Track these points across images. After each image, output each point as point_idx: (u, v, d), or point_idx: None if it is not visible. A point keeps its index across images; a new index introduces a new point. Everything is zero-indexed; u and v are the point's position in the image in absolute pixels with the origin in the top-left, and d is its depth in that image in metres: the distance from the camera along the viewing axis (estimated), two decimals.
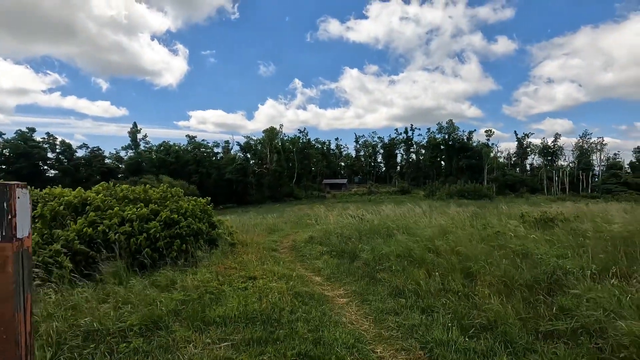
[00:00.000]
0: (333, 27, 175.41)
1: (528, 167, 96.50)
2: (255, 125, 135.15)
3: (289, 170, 76.10)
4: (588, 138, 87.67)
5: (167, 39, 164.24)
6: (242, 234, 10.51)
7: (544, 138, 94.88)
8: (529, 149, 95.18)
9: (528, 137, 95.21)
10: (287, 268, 6.79)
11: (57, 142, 63.37)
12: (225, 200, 59.49)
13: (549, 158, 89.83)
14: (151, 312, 3.98)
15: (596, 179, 78.71)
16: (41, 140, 61.41)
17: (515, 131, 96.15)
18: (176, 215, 6.61)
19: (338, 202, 43.97)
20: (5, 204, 1.13)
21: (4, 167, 54.89)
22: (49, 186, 7.34)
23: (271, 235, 12.76)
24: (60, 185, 7.37)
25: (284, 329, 3.79)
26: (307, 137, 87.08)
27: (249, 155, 77.18)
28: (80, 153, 65.64)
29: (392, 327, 4.00)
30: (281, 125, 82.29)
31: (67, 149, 63.80)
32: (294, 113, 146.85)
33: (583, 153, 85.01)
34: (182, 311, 4.17)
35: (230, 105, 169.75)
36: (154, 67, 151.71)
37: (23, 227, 1.20)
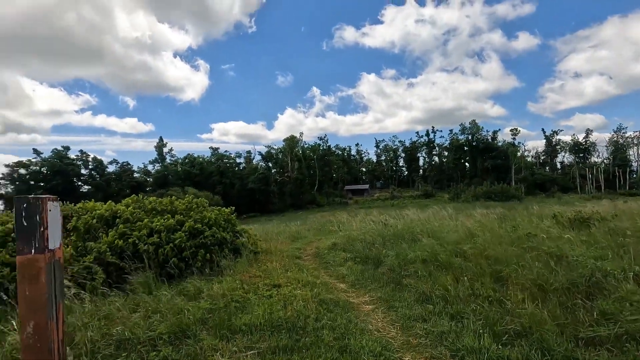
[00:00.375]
0: (348, 33, 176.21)
1: (558, 166, 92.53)
2: (276, 134, 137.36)
3: (310, 177, 76.43)
4: (623, 132, 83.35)
5: (188, 56, 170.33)
6: (265, 243, 10.59)
7: (574, 134, 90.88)
8: (558, 147, 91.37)
9: (557, 134, 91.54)
10: (311, 275, 6.76)
11: (90, 159, 66.58)
12: (248, 209, 60.33)
13: (581, 155, 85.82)
14: (179, 321, 4.05)
15: (634, 175, 74.42)
16: (75, 157, 64.72)
17: (542, 129, 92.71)
18: (200, 225, 6.75)
19: (360, 208, 43.65)
20: (37, 217, 1.18)
21: (42, 184, 58.09)
22: (82, 201, 7.70)
23: (294, 242, 12.78)
24: (92, 200, 7.71)
25: (309, 337, 3.76)
26: (327, 144, 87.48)
27: (270, 165, 78.24)
28: (111, 168, 68.68)
29: (420, 334, 3.89)
30: (301, 134, 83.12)
31: (98, 165, 66.90)
32: (313, 121, 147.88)
33: (618, 148, 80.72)
34: (209, 320, 4.23)
35: (251, 116, 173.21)
36: (177, 84, 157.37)
37: (54, 238, 1.25)
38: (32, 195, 1.21)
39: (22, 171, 58.70)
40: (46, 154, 62.05)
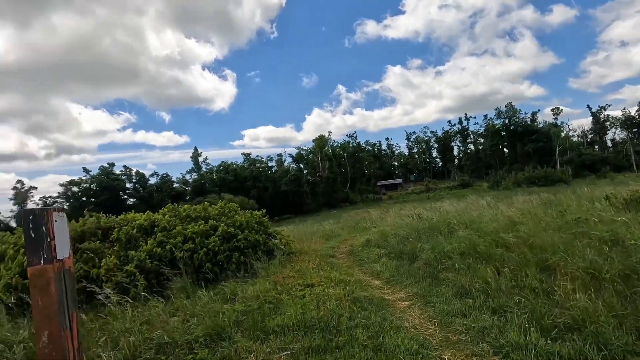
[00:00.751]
0: (370, 28, 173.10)
1: (609, 144, 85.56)
2: (305, 135, 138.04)
3: (342, 175, 76.20)
4: None
5: (215, 67, 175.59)
6: (299, 243, 10.63)
7: (624, 108, 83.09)
8: (607, 123, 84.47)
9: (605, 110, 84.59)
10: (345, 273, 6.68)
11: (133, 173, 70.61)
12: (282, 211, 61.19)
13: (635, 130, 78.75)
14: (215, 324, 4.12)
15: None
16: (120, 173, 68.92)
17: (588, 105, 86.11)
18: (233, 229, 6.88)
19: (395, 203, 42.83)
20: (44, 228, 1.20)
21: (92, 199, 62.38)
22: (124, 212, 8.12)
23: (328, 241, 12.75)
24: (133, 211, 8.11)
25: (342, 336, 3.68)
26: (357, 141, 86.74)
27: (301, 166, 78.84)
28: (152, 181, 72.34)
29: (460, 330, 3.68)
30: (330, 133, 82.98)
31: (141, 178, 70.79)
32: (341, 119, 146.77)
33: None
34: (243, 321, 4.27)
35: (279, 120, 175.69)
36: (207, 95, 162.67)
37: (62, 248, 1.26)
38: (38, 207, 1.23)
39: (75, 189, 63.43)
40: (94, 171, 66.63)
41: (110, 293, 4.67)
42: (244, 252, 6.81)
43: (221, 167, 77.23)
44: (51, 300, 1.20)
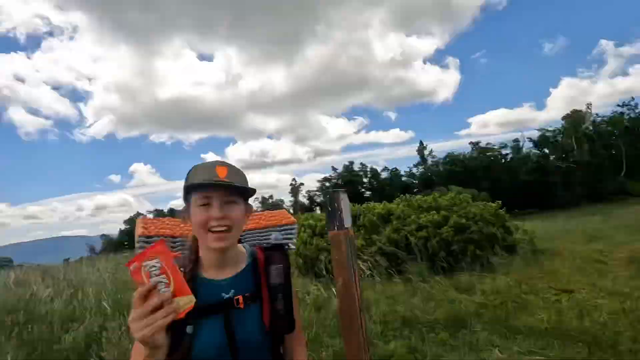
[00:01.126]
0: None
1: None
2: (549, 114, 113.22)
3: (610, 159, 57.56)
4: None
5: (436, 58, 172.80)
6: (547, 241, 9.03)
7: None
8: None
9: None
10: (622, 284, 5.15)
11: (368, 170, 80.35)
12: (522, 204, 52.60)
13: None
14: (453, 310, 4.22)
15: None
16: (357, 169, 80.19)
17: None
18: (465, 220, 6.69)
19: None
20: (336, 204, 1.69)
21: None
22: (366, 202, 9.51)
23: (592, 243, 10.07)
24: (372, 201, 9.36)
25: (623, 358, 2.91)
26: (637, 111, 63.01)
27: (546, 151, 65.19)
28: (383, 175, 79.81)
29: None
30: (588, 105, 64.09)
31: (374, 173, 79.51)
32: (607, 84, 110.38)
33: None
34: (482, 314, 4.14)
35: (513, 100, 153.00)
36: (429, 87, 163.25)
37: (347, 220, 1.73)
38: (332, 190, 1.74)
39: (327, 184, 79.11)
40: (339, 169, 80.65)
41: (367, 267, 5.65)
42: (479, 245, 6.50)
43: (447, 159, 75.07)
44: (342, 256, 1.68)
